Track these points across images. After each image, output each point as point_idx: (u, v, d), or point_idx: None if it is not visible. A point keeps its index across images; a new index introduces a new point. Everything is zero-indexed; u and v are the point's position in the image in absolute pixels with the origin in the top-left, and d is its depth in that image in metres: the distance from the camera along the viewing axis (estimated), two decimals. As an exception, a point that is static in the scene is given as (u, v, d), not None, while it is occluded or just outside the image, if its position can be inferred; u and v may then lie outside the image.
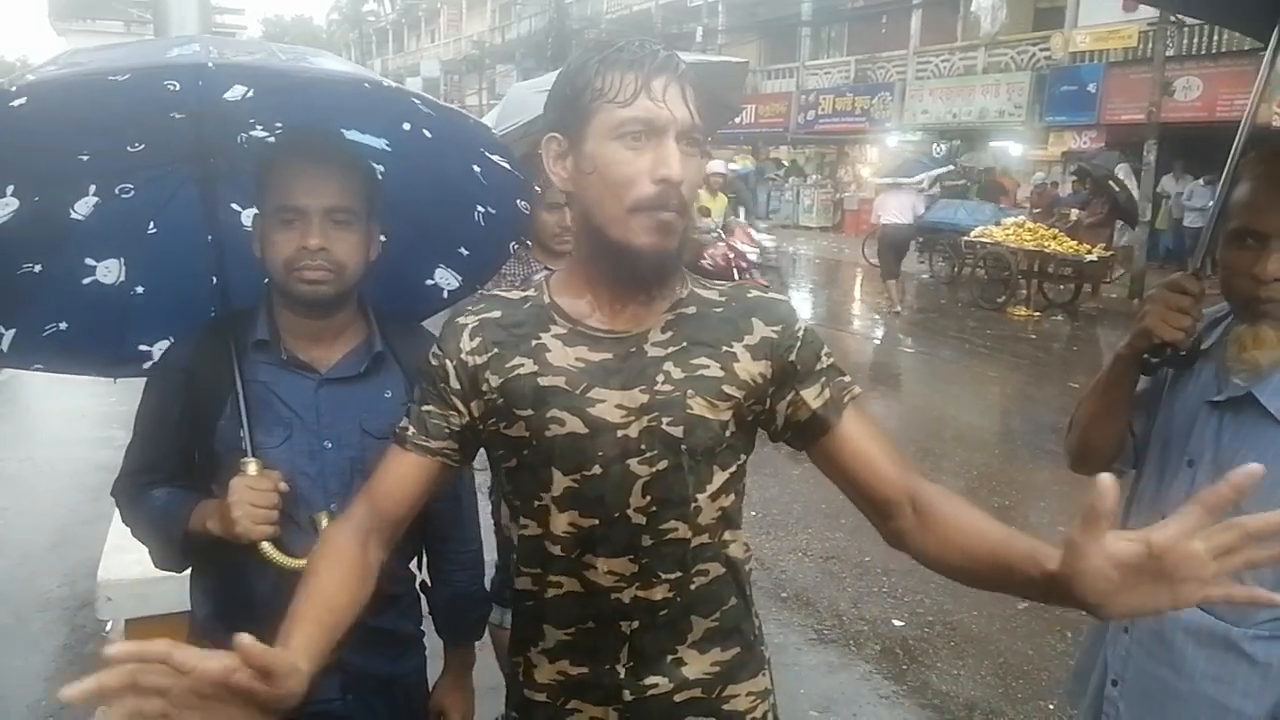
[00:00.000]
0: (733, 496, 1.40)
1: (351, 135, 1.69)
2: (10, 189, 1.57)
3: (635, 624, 1.37)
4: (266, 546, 1.50)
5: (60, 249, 1.72)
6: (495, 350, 1.36)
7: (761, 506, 5.53)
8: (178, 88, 1.51)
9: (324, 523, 1.55)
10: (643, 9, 31.94)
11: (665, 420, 1.30)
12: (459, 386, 1.37)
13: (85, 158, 1.64)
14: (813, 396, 1.36)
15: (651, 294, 1.35)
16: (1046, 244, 13.12)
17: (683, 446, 1.31)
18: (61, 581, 4.42)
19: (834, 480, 1.39)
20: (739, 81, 4.08)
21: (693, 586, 1.37)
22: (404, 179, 1.75)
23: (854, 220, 23.75)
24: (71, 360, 1.83)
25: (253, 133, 1.74)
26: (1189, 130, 16.01)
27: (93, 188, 1.69)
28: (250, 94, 1.56)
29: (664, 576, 1.35)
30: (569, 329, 1.36)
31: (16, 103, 1.24)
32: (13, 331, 1.72)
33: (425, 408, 1.40)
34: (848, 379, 1.39)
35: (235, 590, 1.65)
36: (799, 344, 1.37)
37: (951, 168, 17.25)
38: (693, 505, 1.34)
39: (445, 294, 1.97)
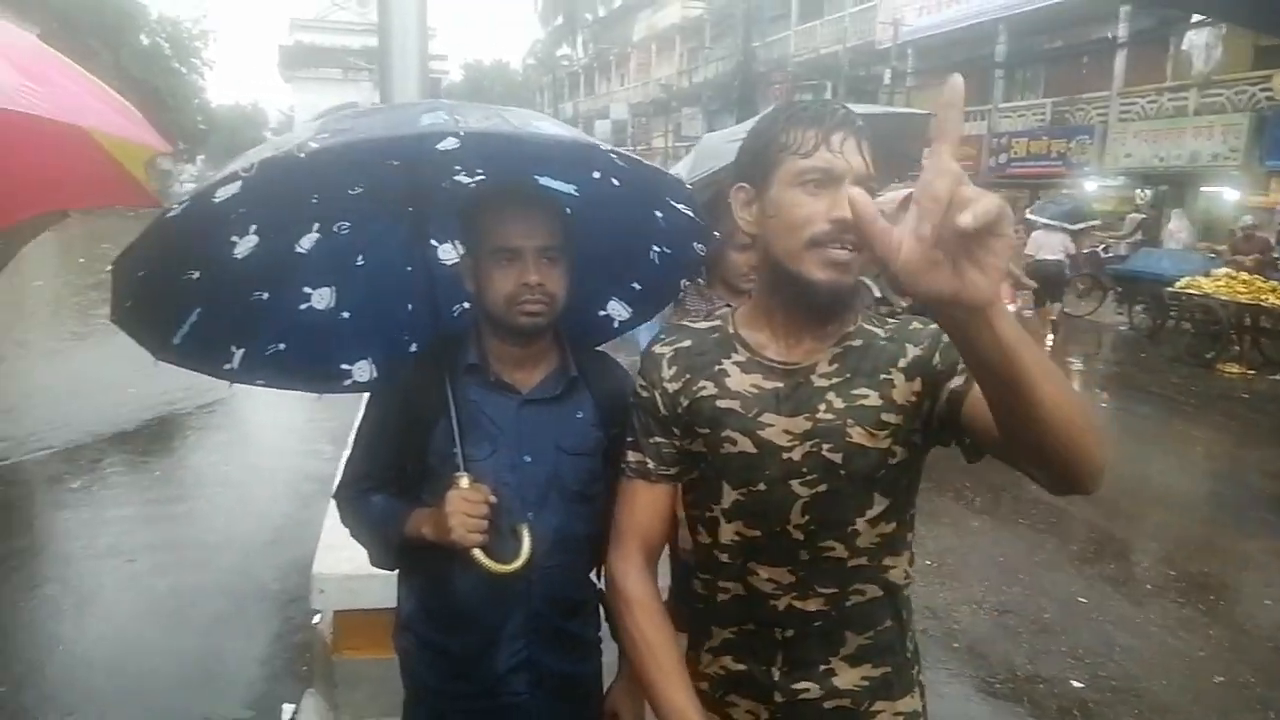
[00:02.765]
0: (894, 524, 1.46)
1: (544, 181, 1.85)
2: (253, 228, 1.80)
3: (790, 631, 1.48)
4: (477, 553, 1.64)
5: (285, 279, 1.94)
6: (687, 375, 1.53)
7: (936, 556, 5.41)
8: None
9: (525, 533, 1.70)
10: (830, 52, 31.89)
11: (825, 447, 1.41)
12: (666, 413, 1.55)
13: (315, 200, 1.87)
14: (952, 383, 1.37)
15: (825, 326, 1.47)
16: (1264, 297, 12.16)
17: (841, 472, 1.41)
18: (276, 576, 4.85)
19: (999, 454, 1.27)
20: (921, 132, 4.11)
21: (848, 604, 1.46)
22: (586, 219, 1.89)
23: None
24: (287, 377, 2.04)
25: (456, 178, 1.93)
26: None
27: (316, 225, 1.92)
28: (459, 145, 1.73)
29: (820, 590, 1.46)
30: (747, 358, 1.50)
31: (271, 154, 1.45)
32: (242, 351, 1.95)
33: (652, 439, 1.57)
34: None
35: (440, 589, 1.82)
36: (941, 347, 1.41)
37: (1096, 222, 16.32)
38: (850, 528, 1.43)
39: (616, 324, 2.12)
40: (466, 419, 1.76)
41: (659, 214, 1.84)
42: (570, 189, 1.88)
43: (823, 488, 1.42)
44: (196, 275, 1.78)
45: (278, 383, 2.05)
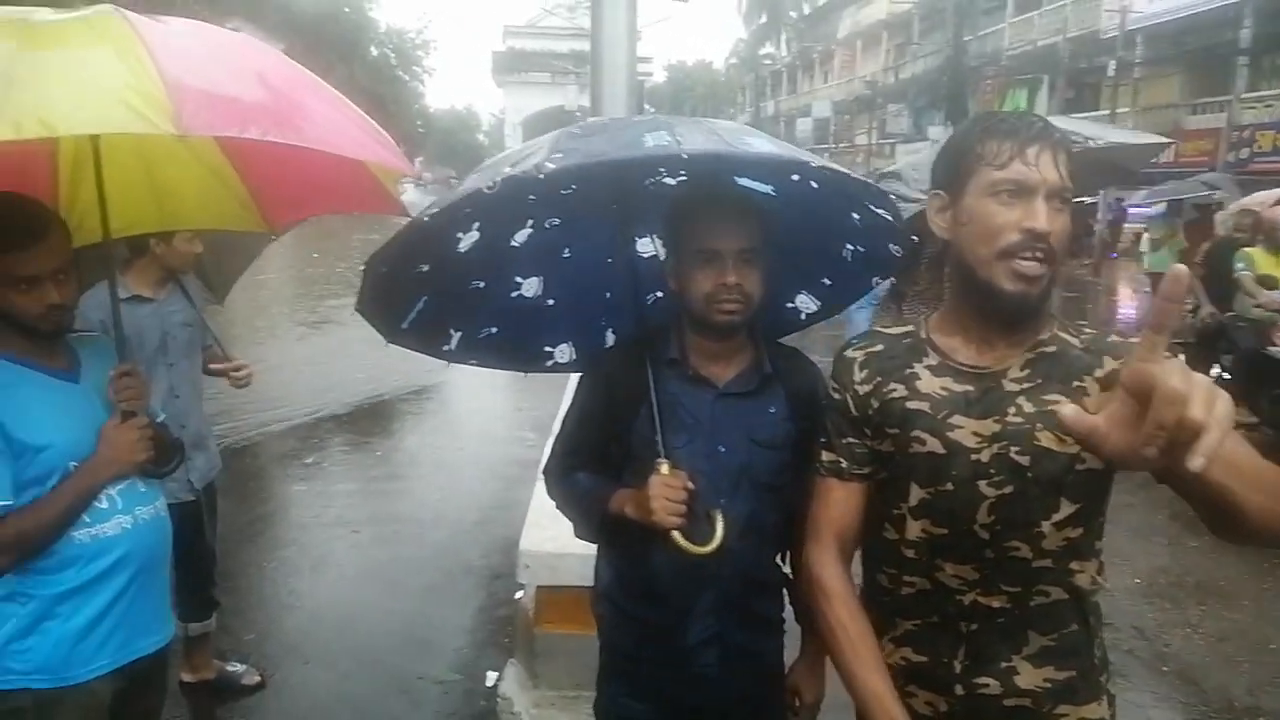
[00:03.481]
0: (1082, 530, 1.47)
1: (743, 182, 1.93)
2: (476, 225, 1.98)
3: (974, 626, 1.51)
4: (675, 534, 1.75)
5: (500, 269, 2.12)
6: (878, 378, 1.59)
7: (1147, 575, 5.11)
8: None
9: (719, 518, 1.79)
10: (1048, 44, 30.18)
11: (1014, 449, 1.44)
12: (857, 414, 1.62)
13: (532, 199, 2.01)
14: None
15: (1014, 333, 1.49)
16: None
17: (1028, 474, 1.43)
18: (482, 554, 5.18)
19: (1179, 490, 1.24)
20: (1151, 156, 3.99)
21: (1032, 603, 1.48)
22: (781, 217, 1.96)
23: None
24: (497, 357, 2.23)
25: (660, 178, 2.04)
26: None
27: (530, 221, 2.08)
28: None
29: (1004, 588, 1.48)
30: (939, 361, 1.55)
31: (499, 156, 1.60)
32: (459, 334, 2.15)
33: (844, 440, 1.64)
34: None
35: (637, 564, 1.95)
36: None
37: None
38: (1035, 530, 1.45)
39: (803, 316, 2.19)
40: (666, 409, 1.88)
41: (855, 215, 1.89)
42: (768, 189, 1.96)
43: (1009, 489, 1.45)
44: (426, 268, 1.98)
45: (488, 363, 2.24)
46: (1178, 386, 0.90)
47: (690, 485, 1.78)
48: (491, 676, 3.82)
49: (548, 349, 2.26)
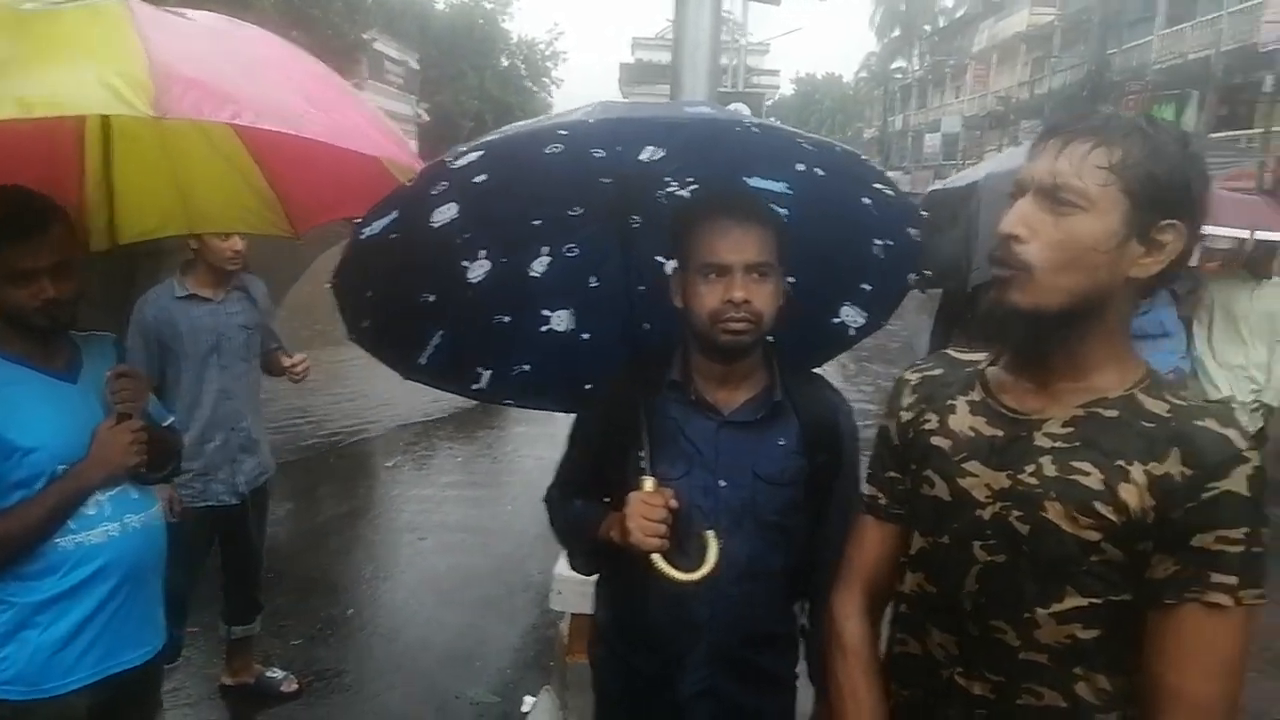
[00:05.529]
0: (1099, 633, 1.19)
1: (754, 182, 1.76)
2: (483, 253, 1.87)
3: (950, 711, 1.31)
4: (656, 558, 1.60)
5: (523, 302, 2.01)
6: (922, 406, 1.41)
7: (1263, 636, 4.60)
8: (603, 155, 1.71)
9: (711, 541, 1.62)
10: (1199, 57, 28.46)
11: (1015, 514, 1.22)
12: (898, 444, 1.44)
13: (538, 223, 1.90)
14: (1163, 566, 1.14)
15: (1073, 380, 1.25)
16: None
17: (1024, 548, 1.21)
18: (541, 569, 5.00)
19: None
20: None
21: (1018, 701, 1.25)
22: (805, 219, 1.79)
23: None
24: (535, 397, 2.11)
25: (670, 190, 1.88)
26: None
27: (545, 249, 1.96)
28: (662, 154, 1.70)
29: (987, 675, 1.27)
30: (981, 398, 1.34)
31: (479, 179, 1.49)
32: (489, 372, 2.05)
33: (887, 474, 1.46)
34: (1234, 582, 1.10)
35: (629, 604, 1.79)
36: (1198, 505, 1.11)
37: None
38: (1025, 615, 1.22)
39: (852, 331, 1.98)
40: (665, 436, 1.73)
41: (867, 200, 1.71)
42: (781, 186, 1.80)
43: (1001, 558, 1.23)
44: (433, 299, 1.89)
45: (526, 402, 2.13)
46: None
47: (674, 504, 1.62)
48: (529, 701, 3.68)
49: (589, 387, 2.11)
